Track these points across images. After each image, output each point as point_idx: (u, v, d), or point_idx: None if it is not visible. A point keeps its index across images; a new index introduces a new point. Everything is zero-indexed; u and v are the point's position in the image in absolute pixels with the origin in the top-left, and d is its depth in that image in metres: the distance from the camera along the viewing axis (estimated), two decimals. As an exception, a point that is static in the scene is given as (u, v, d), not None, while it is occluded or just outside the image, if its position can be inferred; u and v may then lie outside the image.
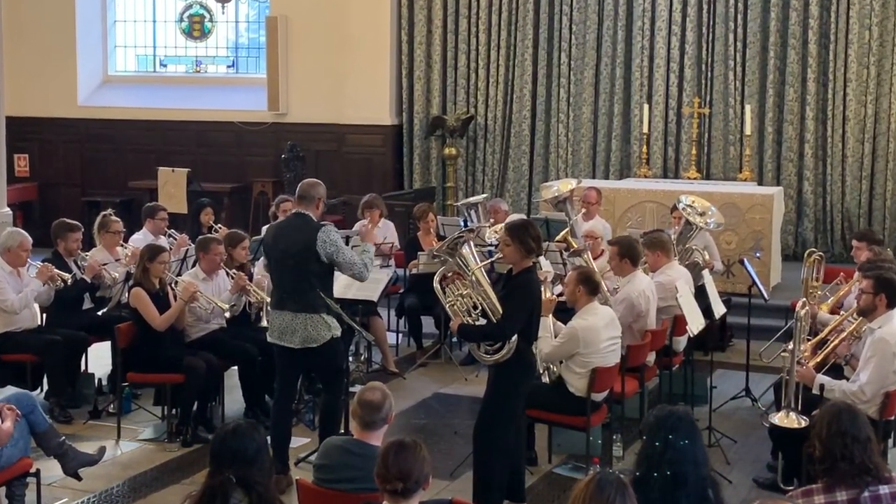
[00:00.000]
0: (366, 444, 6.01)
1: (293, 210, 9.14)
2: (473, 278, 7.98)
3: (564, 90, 17.73)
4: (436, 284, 8.14)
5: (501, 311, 7.82)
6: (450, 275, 8.15)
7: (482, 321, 7.92)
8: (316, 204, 8.82)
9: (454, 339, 12.76)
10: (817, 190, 16.65)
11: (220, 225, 13.02)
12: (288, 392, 9.14)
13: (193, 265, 10.70)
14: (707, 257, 11.60)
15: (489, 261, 8.75)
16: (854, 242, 11.34)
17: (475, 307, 7.94)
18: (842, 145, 16.44)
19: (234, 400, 10.52)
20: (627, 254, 10.02)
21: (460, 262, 8.05)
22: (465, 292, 8.00)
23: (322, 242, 8.55)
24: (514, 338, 7.75)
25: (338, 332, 8.75)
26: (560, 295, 9.76)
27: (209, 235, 11.30)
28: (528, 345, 7.94)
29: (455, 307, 8.01)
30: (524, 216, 14.01)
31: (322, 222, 8.82)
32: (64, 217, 11.72)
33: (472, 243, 8.17)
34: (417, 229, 13.24)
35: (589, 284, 8.96)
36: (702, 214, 11.82)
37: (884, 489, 5.29)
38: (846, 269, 11.15)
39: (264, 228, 12.47)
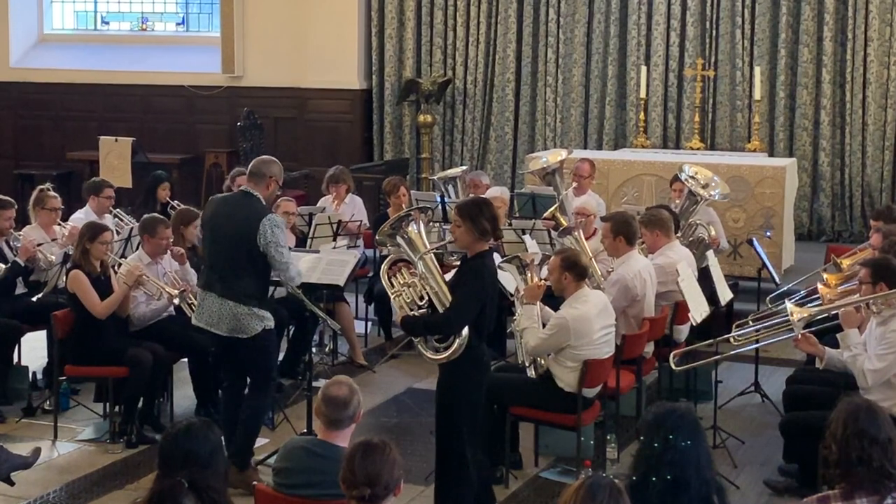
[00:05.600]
0: (331, 446, 6.02)
1: (242, 186, 9.09)
2: (421, 265, 7.82)
3: (553, 50, 17.72)
4: (382, 273, 8.02)
5: (450, 301, 7.71)
6: (400, 262, 7.99)
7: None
8: (267, 184, 8.78)
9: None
10: (834, 161, 16.70)
11: (177, 202, 12.90)
12: (233, 378, 9.03)
13: (139, 247, 10.66)
14: (713, 233, 11.62)
15: (440, 243, 8.61)
16: (871, 222, 11.34)
17: (421, 298, 7.80)
18: (862, 112, 16.48)
19: (184, 396, 10.52)
20: (622, 231, 9.96)
21: (406, 247, 7.88)
22: (411, 281, 7.86)
23: (263, 231, 8.50)
24: (465, 332, 7.61)
25: (270, 323, 8.75)
26: (548, 279, 9.74)
27: (155, 215, 11.17)
28: (480, 340, 7.76)
29: (401, 299, 7.87)
30: (506, 189, 14.04)
31: (269, 209, 8.79)
32: (-6, 192, 11.68)
33: (421, 223, 7.97)
34: (388, 205, 13.19)
35: (575, 270, 8.89)
36: (705, 186, 11.86)
37: (908, 495, 5.30)
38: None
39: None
